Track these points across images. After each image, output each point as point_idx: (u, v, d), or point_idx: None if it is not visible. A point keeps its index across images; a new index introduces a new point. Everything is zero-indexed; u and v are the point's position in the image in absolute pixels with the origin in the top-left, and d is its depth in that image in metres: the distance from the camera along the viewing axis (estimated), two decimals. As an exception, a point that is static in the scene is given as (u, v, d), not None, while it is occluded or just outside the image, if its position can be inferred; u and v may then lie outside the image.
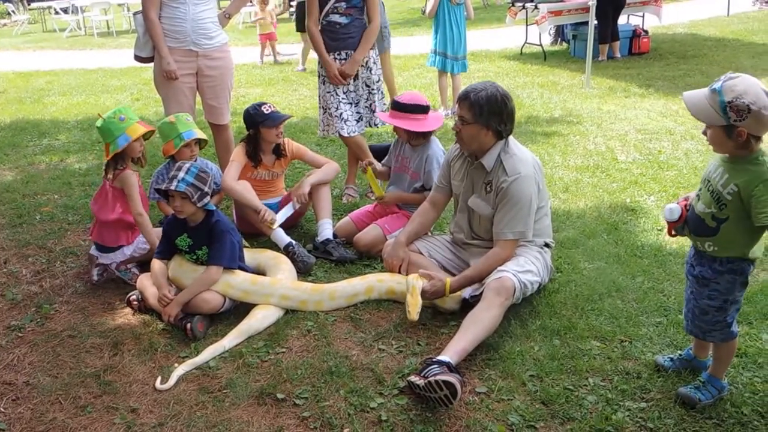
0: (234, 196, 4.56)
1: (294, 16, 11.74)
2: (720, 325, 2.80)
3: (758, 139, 2.56)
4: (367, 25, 5.10)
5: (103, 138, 4.11)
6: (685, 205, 2.82)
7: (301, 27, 11.33)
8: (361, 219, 4.62)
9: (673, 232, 2.87)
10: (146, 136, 4.17)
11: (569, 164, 6.03)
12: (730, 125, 2.52)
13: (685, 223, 2.81)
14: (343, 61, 5.06)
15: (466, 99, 3.56)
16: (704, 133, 2.66)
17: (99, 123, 4.07)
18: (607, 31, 10.90)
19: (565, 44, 12.63)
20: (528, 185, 3.57)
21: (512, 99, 3.64)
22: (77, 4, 19.95)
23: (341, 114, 5.10)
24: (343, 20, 5.02)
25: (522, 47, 12.20)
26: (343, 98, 5.13)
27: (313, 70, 11.36)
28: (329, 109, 5.14)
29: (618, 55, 11.12)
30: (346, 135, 5.12)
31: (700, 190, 2.77)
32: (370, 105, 5.23)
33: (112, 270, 4.14)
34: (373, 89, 5.22)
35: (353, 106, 5.19)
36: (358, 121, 5.20)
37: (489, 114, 3.54)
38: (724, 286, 2.74)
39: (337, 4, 4.96)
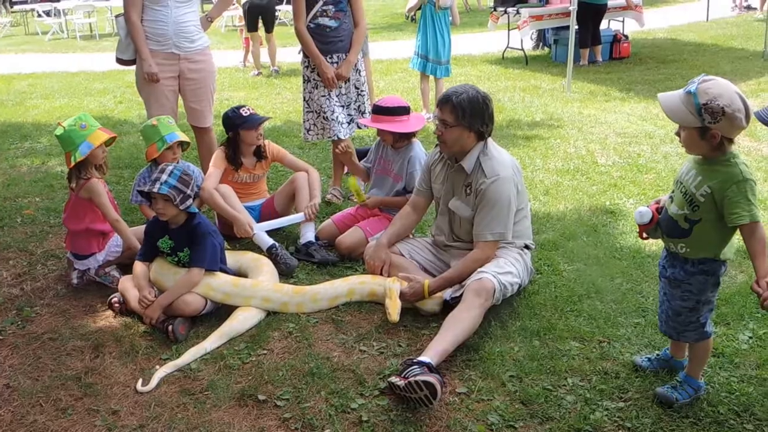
0: (213, 206, 4.55)
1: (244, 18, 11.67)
2: (693, 325, 2.84)
3: (730, 141, 2.62)
4: (353, 28, 5.15)
5: (64, 147, 4.03)
6: (657, 209, 2.87)
7: (252, 27, 11.36)
8: (343, 221, 4.64)
9: (645, 235, 2.92)
10: (108, 143, 4.14)
11: (550, 167, 6.08)
12: (704, 127, 2.57)
13: (657, 226, 2.86)
14: (334, 65, 5.08)
15: (447, 102, 3.60)
16: (677, 134, 2.71)
17: (59, 131, 4.00)
18: (588, 36, 10.98)
19: (546, 49, 12.71)
20: (507, 187, 3.61)
21: (492, 100, 3.68)
22: (60, 7, 19.83)
23: (337, 117, 5.13)
24: (332, 24, 5.05)
25: (504, 52, 12.26)
26: (336, 101, 5.16)
27: (298, 70, 11.36)
28: (325, 113, 5.14)
29: (600, 59, 11.21)
30: (343, 138, 5.14)
31: (673, 192, 2.82)
32: (359, 107, 5.28)
33: (91, 275, 4.13)
34: (361, 91, 5.28)
35: (345, 108, 5.23)
36: (349, 124, 5.23)
37: (471, 116, 3.57)
38: (696, 287, 2.79)
39: (325, 7, 4.99)
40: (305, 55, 5.16)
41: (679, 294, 2.82)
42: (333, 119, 5.12)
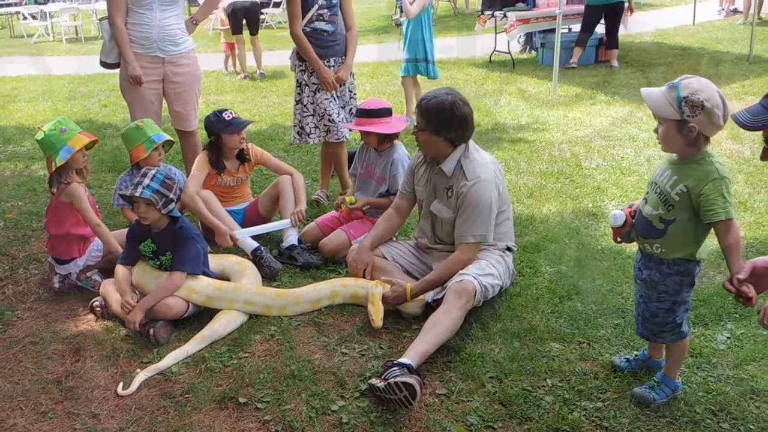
0: (195, 212, 4.54)
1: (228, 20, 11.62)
2: (670, 326, 2.87)
3: (707, 139, 2.67)
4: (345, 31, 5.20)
5: (44, 151, 4.02)
6: (630, 212, 2.90)
7: (237, 29, 11.33)
8: (327, 224, 4.64)
9: (619, 239, 2.96)
10: (89, 147, 4.13)
11: (534, 170, 6.11)
12: (682, 120, 2.62)
13: (631, 228, 2.89)
14: (332, 69, 5.11)
15: (419, 106, 3.65)
16: (656, 131, 2.75)
17: (39, 136, 3.98)
18: (587, 36, 10.96)
19: (533, 52, 12.75)
20: (488, 189, 3.63)
21: (467, 104, 3.65)
22: (46, 9, 19.74)
23: (341, 119, 5.16)
24: (329, 28, 5.07)
25: (491, 55, 12.30)
26: (337, 103, 5.19)
27: (284, 73, 11.36)
28: (330, 115, 5.14)
29: (615, 63, 11.06)
30: (347, 138, 5.22)
31: (647, 194, 2.85)
32: (350, 109, 5.31)
33: (72, 279, 4.12)
34: (353, 94, 5.34)
35: (342, 110, 5.25)
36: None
37: (438, 123, 3.59)
38: (672, 288, 2.82)
39: (320, 12, 5.00)
40: (300, 60, 5.16)
41: (656, 296, 2.85)
42: (338, 121, 5.16)
